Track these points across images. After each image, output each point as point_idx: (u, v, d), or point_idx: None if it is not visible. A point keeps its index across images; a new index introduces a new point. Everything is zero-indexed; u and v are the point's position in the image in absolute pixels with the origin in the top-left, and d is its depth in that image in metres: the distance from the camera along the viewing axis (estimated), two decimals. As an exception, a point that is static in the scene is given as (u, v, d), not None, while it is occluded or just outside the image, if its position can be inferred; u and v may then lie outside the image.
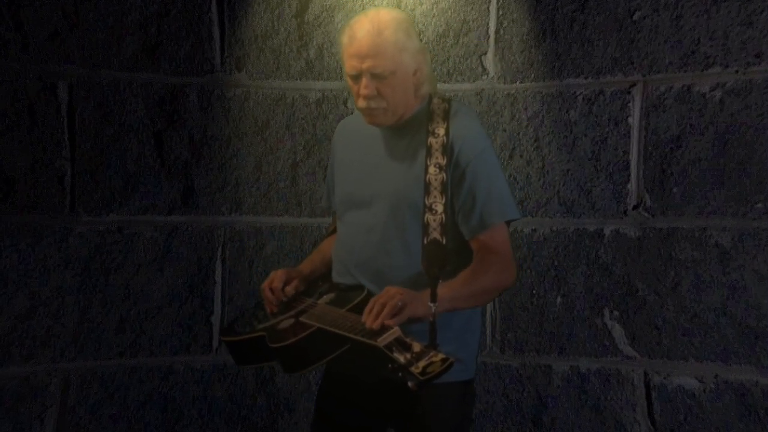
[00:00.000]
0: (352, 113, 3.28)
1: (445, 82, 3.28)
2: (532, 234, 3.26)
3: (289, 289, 2.33)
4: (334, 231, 2.49)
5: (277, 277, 2.36)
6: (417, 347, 1.92)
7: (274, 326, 2.22)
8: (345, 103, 3.36)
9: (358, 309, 2.11)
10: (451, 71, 3.31)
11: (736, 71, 3.00)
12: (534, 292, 3.25)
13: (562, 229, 3.23)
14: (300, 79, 3.38)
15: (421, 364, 1.87)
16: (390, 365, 1.90)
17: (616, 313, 3.17)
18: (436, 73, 3.24)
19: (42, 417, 3.19)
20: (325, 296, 2.30)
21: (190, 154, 3.34)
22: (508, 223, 2.27)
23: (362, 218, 2.29)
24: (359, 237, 2.29)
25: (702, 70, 3.05)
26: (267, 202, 3.40)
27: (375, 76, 2.19)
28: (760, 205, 2.98)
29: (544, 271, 3.25)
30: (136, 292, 3.29)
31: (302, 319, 2.18)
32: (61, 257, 3.21)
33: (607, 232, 3.19)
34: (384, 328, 1.99)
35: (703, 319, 3.05)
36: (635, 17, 3.12)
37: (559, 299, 3.23)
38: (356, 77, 2.22)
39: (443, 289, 2.07)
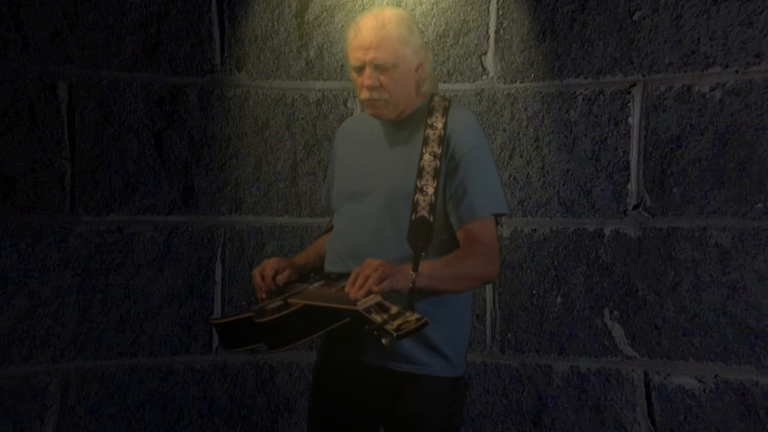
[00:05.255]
0: (351, 113, 3.30)
1: (445, 82, 3.29)
2: (532, 234, 3.26)
3: (281, 278, 2.37)
4: (331, 229, 2.52)
5: (269, 265, 2.39)
6: (394, 309, 1.97)
7: (263, 307, 2.26)
8: (345, 103, 3.36)
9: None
10: (451, 71, 3.31)
11: (736, 71, 3.00)
12: (534, 292, 3.25)
13: (562, 229, 3.24)
14: (300, 79, 3.39)
15: (396, 322, 1.92)
16: (366, 326, 1.95)
17: (616, 313, 3.17)
18: (436, 73, 3.24)
19: (42, 417, 3.19)
20: (316, 284, 2.34)
21: (190, 154, 3.35)
22: (497, 218, 2.30)
23: (358, 209, 2.33)
24: (354, 227, 2.33)
25: (702, 70, 3.05)
26: (267, 202, 3.40)
27: (378, 68, 2.26)
28: (760, 205, 2.98)
29: (544, 271, 3.25)
30: (136, 292, 3.29)
31: (290, 300, 2.23)
32: (61, 257, 3.21)
33: (607, 232, 3.19)
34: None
35: (703, 319, 3.05)
36: (635, 17, 3.12)
37: (559, 299, 3.23)
38: (360, 69, 2.29)
39: (424, 266, 2.13)
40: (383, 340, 1.93)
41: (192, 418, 3.35)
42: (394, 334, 1.90)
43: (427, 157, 2.24)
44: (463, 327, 2.37)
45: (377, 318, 1.94)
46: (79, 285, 3.23)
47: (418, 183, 2.23)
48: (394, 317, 1.94)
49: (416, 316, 1.94)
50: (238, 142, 3.38)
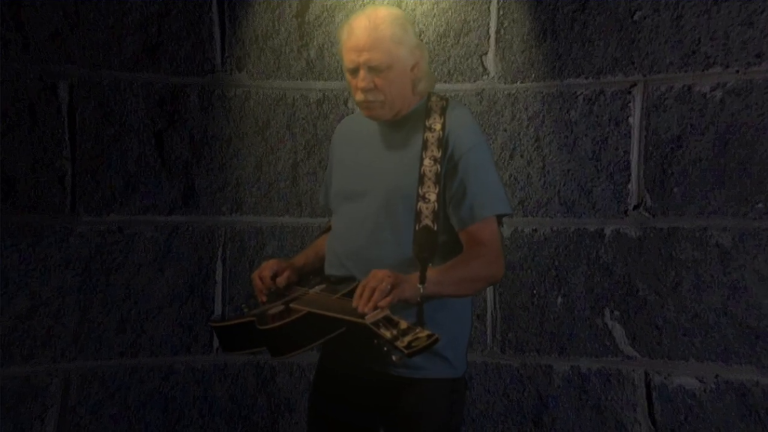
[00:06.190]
0: (352, 113, 3.29)
1: (445, 82, 3.29)
2: (532, 234, 3.26)
3: (281, 280, 2.36)
4: (330, 229, 2.51)
5: (267, 266, 2.39)
6: (404, 324, 1.95)
7: (264, 312, 2.25)
8: (345, 103, 3.36)
9: (348, 296, 2.14)
10: (451, 71, 3.31)
11: (737, 71, 3.00)
12: (534, 292, 3.25)
13: (562, 229, 3.23)
14: (300, 79, 3.39)
15: (407, 339, 1.90)
16: (376, 341, 1.94)
17: (616, 313, 3.17)
18: (436, 73, 3.25)
19: (42, 417, 3.19)
20: (316, 287, 2.33)
21: (190, 154, 3.35)
22: (499, 218, 2.29)
23: (356, 210, 2.32)
24: (352, 228, 2.32)
25: (702, 70, 3.05)
26: (267, 202, 3.40)
27: (372, 69, 2.23)
28: (760, 205, 2.98)
29: (544, 271, 3.25)
30: (136, 292, 3.30)
31: (292, 305, 2.21)
32: (61, 257, 3.21)
33: (607, 232, 3.19)
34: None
35: (704, 319, 3.05)
36: (636, 17, 3.12)
37: (559, 299, 3.23)
38: (354, 71, 2.26)
39: (430, 273, 2.12)
40: (394, 357, 1.92)
41: (192, 418, 3.36)
42: (406, 352, 1.88)
43: (427, 162, 2.22)
44: (464, 328, 2.36)
45: (387, 333, 1.92)
46: (79, 285, 3.23)
47: (420, 190, 2.20)
48: (404, 333, 1.92)
49: (427, 332, 1.92)
50: (239, 142, 3.38)
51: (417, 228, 2.19)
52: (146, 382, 3.31)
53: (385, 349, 1.93)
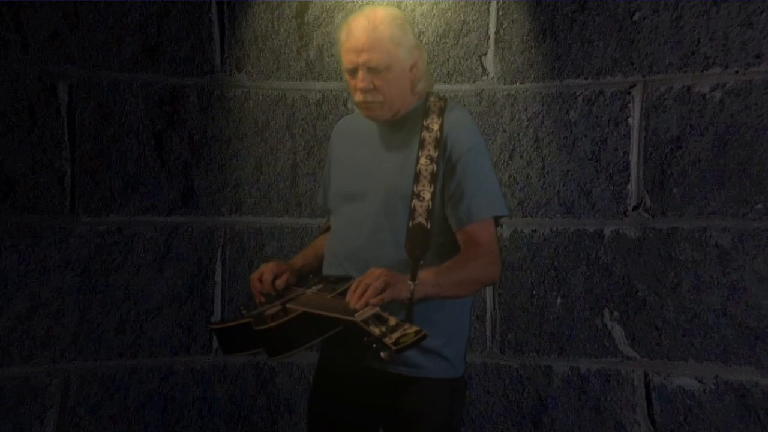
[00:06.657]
0: (351, 113, 3.29)
1: (444, 82, 3.29)
2: (532, 234, 3.26)
3: (280, 283, 2.36)
4: (329, 229, 2.51)
5: (267, 269, 2.38)
6: (392, 321, 1.95)
7: (262, 313, 2.26)
8: (345, 103, 3.36)
9: (344, 295, 2.14)
10: (451, 72, 3.31)
11: (736, 72, 3.00)
12: (534, 292, 3.25)
13: (562, 230, 3.24)
14: (300, 80, 3.39)
15: (395, 335, 1.91)
16: (365, 338, 1.94)
17: (616, 313, 3.17)
18: (435, 74, 3.25)
19: (42, 417, 3.19)
20: (314, 287, 2.33)
21: (190, 154, 3.35)
22: (496, 219, 2.29)
23: (355, 211, 2.33)
24: (352, 228, 2.32)
25: (702, 71, 3.05)
26: (267, 203, 3.40)
27: (371, 70, 2.24)
28: (760, 205, 2.98)
29: (544, 272, 3.25)
30: (136, 293, 3.29)
31: (289, 305, 2.22)
32: (61, 258, 3.21)
33: (607, 232, 3.19)
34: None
35: (703, 320, 3.05)
36: (635, 18, 3.12)
37: (559, 300, 3.23)
38: (353, 71, 2.27)
39: (428, 275, 2.12)
40: (382, 354, 1.92)
41: (192, 419, 3.36)
42: (393, 348, 1.88)
43: (423, 161, 2.22)
44: (462, 328, 2.36)
45: (375, 330, 1.93)
46: (79, 285, 3.23)
47: (415, 188, 2.21)
48: (393, 330, 1.92)
49: (415, 328, 1.92)
50: (238, 143, 3.38)
51: (410, 225, 2.19)
52: (146, 382, 3.31)
53: (374, 346, 1.93)
